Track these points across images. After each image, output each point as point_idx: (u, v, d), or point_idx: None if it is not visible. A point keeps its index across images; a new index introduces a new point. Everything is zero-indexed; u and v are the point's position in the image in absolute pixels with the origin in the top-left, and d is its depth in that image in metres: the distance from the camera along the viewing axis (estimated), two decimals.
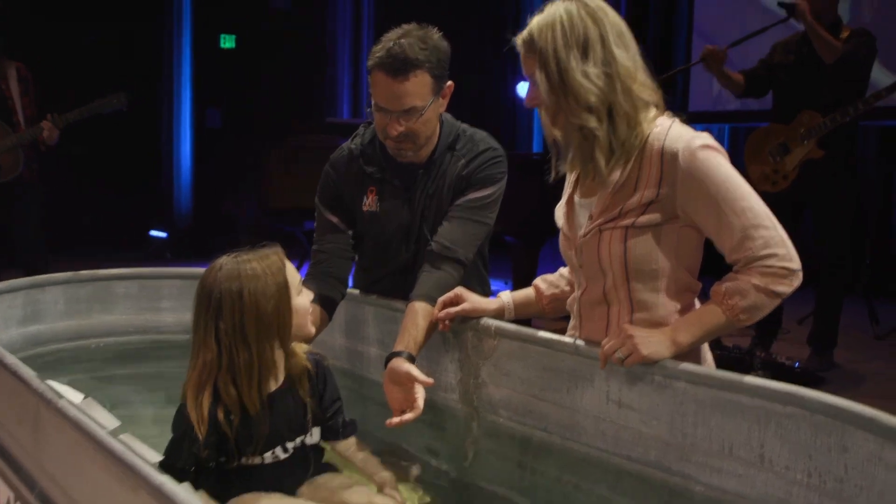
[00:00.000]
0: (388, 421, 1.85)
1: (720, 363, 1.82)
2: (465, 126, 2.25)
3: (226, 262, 1.71)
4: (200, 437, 1.63)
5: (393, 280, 2.28)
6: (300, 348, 1.83)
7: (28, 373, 1.59)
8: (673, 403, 1.60)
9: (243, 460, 1.70)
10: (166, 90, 8.32)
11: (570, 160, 1.77)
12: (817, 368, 4.22)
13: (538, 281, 2.07)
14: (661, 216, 1.68)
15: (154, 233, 8.11)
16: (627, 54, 1.69)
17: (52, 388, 1.48)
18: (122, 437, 1.26)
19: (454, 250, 2.11)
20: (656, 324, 1.71)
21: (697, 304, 1.78)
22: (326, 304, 2.18)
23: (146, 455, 1.29)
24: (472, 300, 2.00)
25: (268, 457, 1.73)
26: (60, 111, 4.48)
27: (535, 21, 1.71)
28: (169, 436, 1.71)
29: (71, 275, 2.65)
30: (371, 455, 1.89)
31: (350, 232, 2.26)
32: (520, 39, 1.74)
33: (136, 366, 2.65)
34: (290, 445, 1.77)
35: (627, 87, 1.68)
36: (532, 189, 4.08)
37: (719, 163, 1.64)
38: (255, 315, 1.67)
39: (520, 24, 1.76)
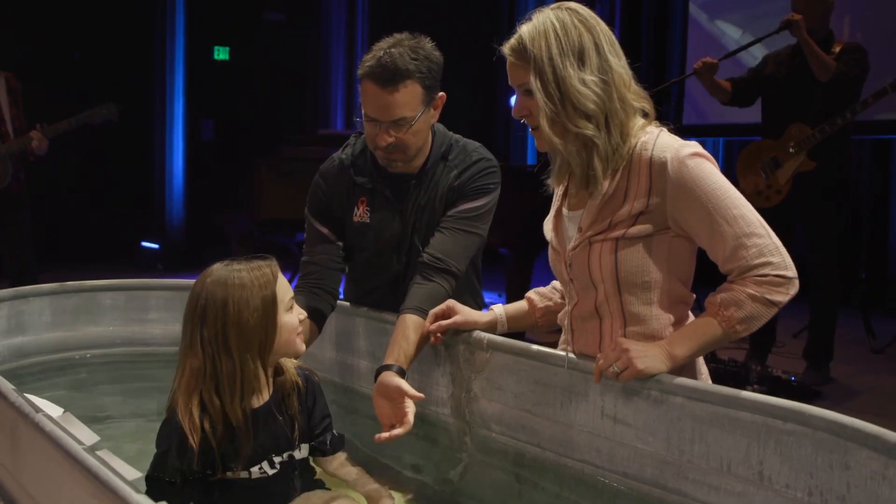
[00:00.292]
0: (377, 436, 1.82)
1: (715, 377, 1.80)
2: (457, 136, 2.23)
3: (217, 268, 1.70)
4: (195, 446, 1.60)
5: (384, 292, 2.25)
6: (289, 363, 1.79)
7: (6, 386, 1.55)
8: (669, 419, 1.57)
9: (229, 474, 1.66)
10: (159, 101, 8.31)
11: (558, 172, 1.75)
12: (814, 382, 4.20)
13: (531, 293, 2.04)
14: (651, 227, 1.66)
15: (146, 244, 8.07)
16: (620, 62, 1.68)
17: (30, 402, 1.43)
18: (99, 452, 1.22)
19: (446, 262, 2.08)
20: (650, 337, 1.68)
21: (691, 316, 1.75)
22: (316, 316, 2.15)
23: (124, 472, 1.25)
24: (464, 312, 1.98)
25: (254, 471, 1.69)
26: (52, 122, 4.45)
27: (526, 29, 1.69)
28: (154, 450, 1.67)
29: (57, 286, 2.62)
30: (360, 470, 1.85)
31: (340, 243, 2.23)
32: (508, 48, 1.71)
33: (122, 378, 2.61)
34: (277, 460, 1.73)
35: (622, 94, 1.66)
36: (526, 201, 4.06)
37: (709, 171, 1.62)
38: (237, 326, 1.64)
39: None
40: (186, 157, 8.36)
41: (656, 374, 1.59)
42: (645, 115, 1.70)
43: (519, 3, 8.12)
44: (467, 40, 6.93)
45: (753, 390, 1.50)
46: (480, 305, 2.32)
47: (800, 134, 4.17)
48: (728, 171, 1.69)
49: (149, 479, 1.63)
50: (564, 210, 1.81)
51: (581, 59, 1.64)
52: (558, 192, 1.86)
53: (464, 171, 2.15)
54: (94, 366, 2.60)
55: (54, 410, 1.61)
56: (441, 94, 2.11)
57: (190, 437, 1.60)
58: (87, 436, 1.52)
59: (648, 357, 1.59)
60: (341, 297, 2.31)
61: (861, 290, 5.60)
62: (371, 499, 1.78)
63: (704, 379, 1.77)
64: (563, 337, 1.88)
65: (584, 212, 1.73)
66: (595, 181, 1.68)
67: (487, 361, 1.92)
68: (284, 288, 1.72)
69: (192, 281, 1.76)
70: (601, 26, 1.68)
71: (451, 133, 2.23)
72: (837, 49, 4.16)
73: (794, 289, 1.58)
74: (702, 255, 1.70)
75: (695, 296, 1.76)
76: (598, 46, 1.65)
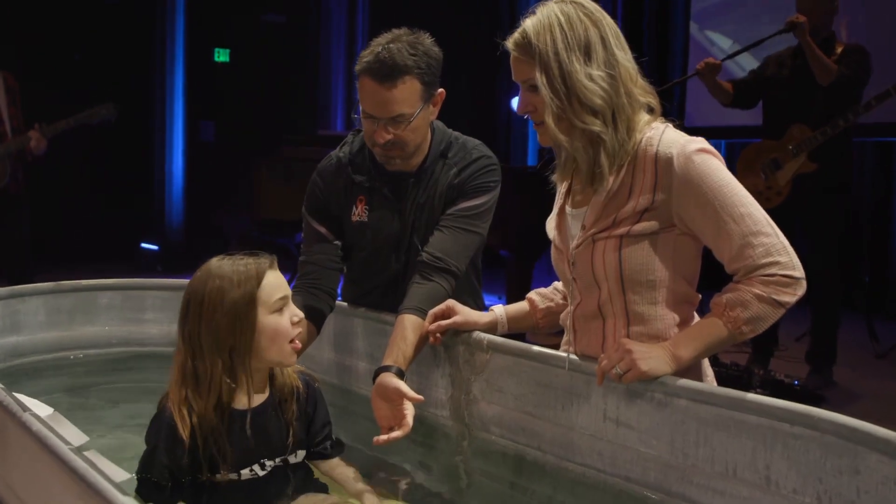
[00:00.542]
0: (375, 438, 1.80)
1: (717, 381, 1.78)
2: (457, 134, 2.21)
3: (211, 261, 1.66)
4: (185, 438, 1.56)
5: (383, 292, 2.22)
6: (290, 366, 1.75)
7: None
8: (673, 422, 1.54)
9: (218, 476, 1.62)
10: (159, 103, 8.30)
11: (563, 169, 1.72)
12: (817, 387, 4.17)
13: (532, 294, 2.02)
14: (656, 224, 1.63)
15: (145, 245, 8.05)
16: (626, 56, 1.66)
17: (18, 402, 1.40)
18: (86, 453, 1.19)
19: (446, 261, 2.05)
20: (654, 338, 1.66)
21: (697, 317, 1.73)
22: (315, 316, 2.12)
23: (112, 473, 1.22)
24: (464, 313, 1.95)
25: (244, 473, 1.66)
26: (51, 122, 4.43)
27: (530, 23, 1.66)
28: None
29: (53, 285, 2.61)
30: (355, 471, 1.82)
31: (338, 242, 2.20)
32: (511, 43, 1.68)
33: (118, 379, 2.59)
34: (268, 464, 1.69)
35: (629, 89, 1.64)
36: (526, 202, 4.05)
37: (716, 167, 1.59)
38: (209, 325, 1.59)
39: None
40: (186, 158, 8.34)
41: (660, 376, 1.56)
42: (650, 110, 1.68)
43: (519, 3, 8.09)
44: (467, 43, 6.92)
45: (756, 394, 1.46)
46: (480, 306, 2.29)
47: (801, 135, 4.16)
48: (731, 172, 1.65)
49: (139, 479, 1.59)
50: (568, 208, 1.79)
51: (587, 54, 1.62)
52: (561, 190, 1.83)
53: (463, 169, 2.13)
54: (89, 366, 2.59)
55: (43, 410, 1.57)
56: (440, 90, 2.08)
57: (180, 430, 1.56)
58: (76, 436, 1.49)
59: (652, 358, 1.57)
60: (339, 297, 2.29)
61: (864, 294, 5.56)
62: (362, 499, 1.74)
63: (710, 381, 1.74)
64: (565, 338, 1.85)
65: (588, 209, 1.70)
66: (601, 178, 1.65)
67: (487, 363, 1.89)
68: (273, 288, 1.63)
69: (186, 281, 1.72)
70: (607, 20, 1.65)
71: (450, 130, 2.20)
72: (839, 50, 4.14)
73: (801, 289, 1.55)
74: (706, 257, 1.67)
75: (700, 296, 1.73)
76: (604, 40, 1.63)
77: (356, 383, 2.26)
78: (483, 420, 1.91)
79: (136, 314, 2.66)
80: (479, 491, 1.89)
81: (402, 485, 1.92)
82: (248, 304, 1.60)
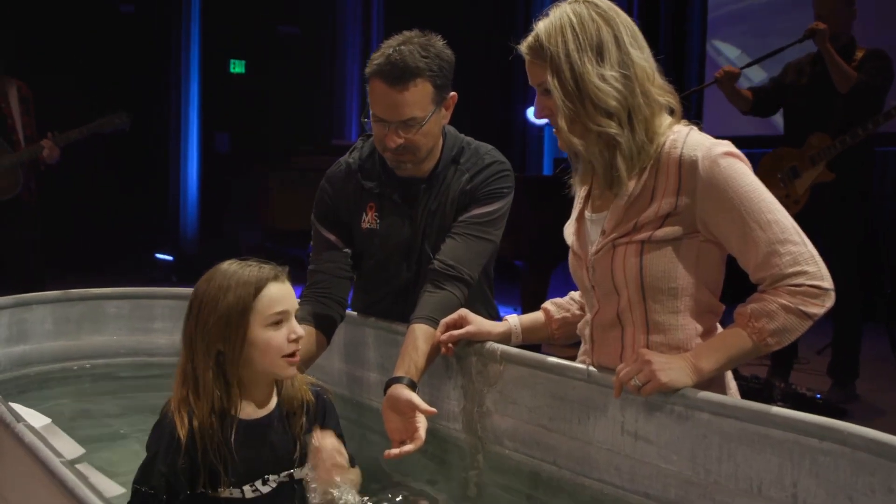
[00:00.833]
0: (386, 452, 1.76)
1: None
2: (469, 139, 2.17)
3: (222, 264, 1.62)
4: (183, 441, 1.52)
5: (393, 301, 2.18)
6: (301, 378, 1.69)
7: None
8: (695, 436, 1.49)
9: (220, 491, 1.57)
10: (174, 114, 8.34)
11: (583, 172, 1.68)
12: (839, 400, 4.12)
13: (547, 304, 1.98)
14: (680, 229, 1.58)
15: (160, 256, 8.07)
16: (643, 55, 1.61)
17: (12, 412, 1.36)
18: (79, 466, 1.15)
19: (458, 269, 2.02)
20: (674, 348, 1.61)
21: (719, 327, 1.67)
22: (325, 326, 2.09)
23: (105, 487, 1.18)
24: (477, 322, 1.91)
25: (247, 490, 1.60)
26: (63, 131, 4.43)
27: (542, 25, 1.63)
28: None
29: (60, 293, 2.60)
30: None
31: (348, 250, 2.17)
32: (525, 46, 1.66)
33: (126, 389, 2.57)
34: (272, 479, 1.63)
35: (646, 89, 1.59)
36: (542, 211, 3.99)
37: (742, 171, 1.54)
38: (202, 330, 1.56)
39: None
40: (201, 169, 8.38)
41: (680, 388, 1.51)
42: (671, 111, 1.63)
43: (535, 8, 8.09)
44: (482, 53, 6.90)
45: (781, 408, 1.41)
46: (493, 315, 2.24)
47: (820, 144, 4.13)
48: None
49: (134, 489, 1.55)
50: (587, 213, 1.74)
51: (600, 54, 1.58)
52: (580, 195, 1.79)
53: (476, 175, 2.09)
54: (97, 376, 2.58)
55: (39, 420, 1.54)
56: (452, 93, 2.05)
57: (178, 430, 1.52)
58: (71, 448, 1.45)
59: (672, 369, 1.51)
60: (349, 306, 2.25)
61: (885, 304, 5.47)
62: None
63: (733, 394, 1.69)
64: (582, 348, 1.81)
65: (609, 213, 1.66)
66: (619, 181, 1.61)
67: (501, 374, 1.86)
68: (272, 300, 1.57)
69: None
70: (621, 17, 1.61)
71: (462, 135, 2.17)
72: (860, 55, 4.09)
73: (830, 301, 1.50)
74: (730, 266, 1.62)
75: (724, 307, 1.67)
76: (617, 39, 1.58)
77: (367, 395, 2.23)
78: (497, 433, 1.87)
79: (145, 323, 2.65)
80: None
81: (415, 499, 1.88)
82: (242, 312, 1.55)
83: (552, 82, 1.59)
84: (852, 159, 4.08)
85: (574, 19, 1.59)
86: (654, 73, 1.62)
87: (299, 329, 1.61)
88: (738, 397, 1.66)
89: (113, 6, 7.92)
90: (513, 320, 1.97)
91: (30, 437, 1.21)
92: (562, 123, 1.61)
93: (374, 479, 1.87)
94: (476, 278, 2.07)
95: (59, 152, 4.44)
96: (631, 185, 1.61)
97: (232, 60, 8.52)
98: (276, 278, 1.60)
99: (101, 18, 7.63)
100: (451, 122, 2.14)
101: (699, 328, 1.62)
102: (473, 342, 1.91)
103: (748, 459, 1.42)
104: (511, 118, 8.54)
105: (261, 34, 8.43)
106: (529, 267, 4.66)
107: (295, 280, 1.66)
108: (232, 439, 1.57)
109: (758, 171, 4.46)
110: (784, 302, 1.48)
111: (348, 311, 2.21)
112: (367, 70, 1.98)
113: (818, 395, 4.06)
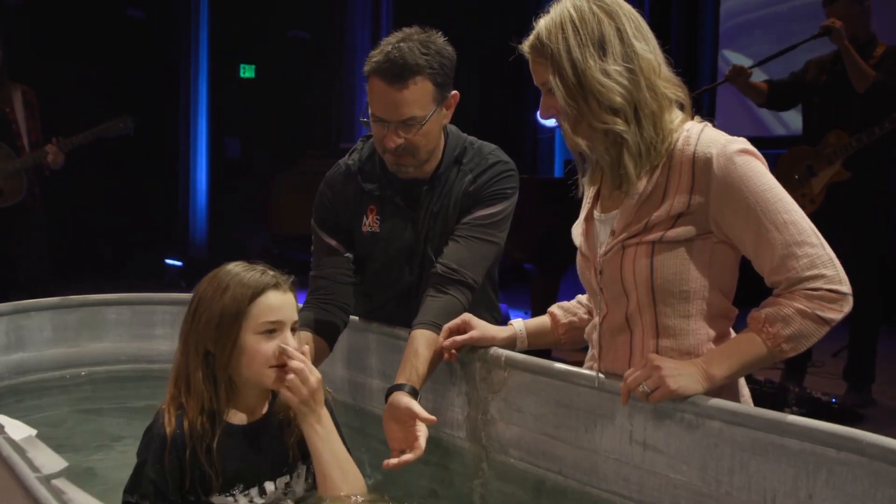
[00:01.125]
0: (385, 462, 1.73)
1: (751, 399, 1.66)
2: (472, 139, 2.13)
3: (228, 265, 1.62)
4: (168, 438, 1.50)
5: (396, 305, 2.15)
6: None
7: None
8: (706, 446, 1.45)
9: (211, 497, 1.54)
10: (183, 119, 8.35)
11: (592, 173, 1.64)
12: (855, 405, 4.07)
13: (554, 308, 1.93)
14: (692, 230, 1.53)
15: (170, 261, 8.07)
16: (648, 47, 1.56)
17: None
18: (55, 482, 1.11)
19: (461, 272, 1.98)
20: (685, 353, 1.56)
21: (732, 333, 1.62)
22: (327, 332, 2.06)
23: (82, 502, 1.13)
24: (481, 327, 1.88)
25: (241, 499, 1.57)
26: (68, 136, 4.42)
27: (542, 23, 1.59)
28: None
29: (59, 300, 2.59)
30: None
31: (349, 255, 2.14)
32: (527, 45, 1.62)
33: (126, 397, 2.54)
34: (269, 487, 1.60)
35: (652, 82, 1.54)
36: (552, 214, 3.95)
37: (759, 170, 1.49)
38: (196, 329, 1.55)
39: None
40: (210, 174, 8.38)
41: (691, 396, 1.47)
42: (681, 107, 1.57)
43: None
44: (494, 55, 6.87)
45: (792, 413, 1.36)
46: (498, 320, 2.20)
47: (837, 142, 4.09)
48: None
49: (123, 501, 1.53)
50: (596, 212, 1.70)
51: (602, 49, 1.53)
52: (589, 195, 1.75)
53: (479, 176, 2.05)
54: (96, 384, 2.55)
55: (22, 432, 1.50)
56: (454, 92, 2.01)
57: (166, 427, 1.51)
58: (52, 462, 1.40)
59: (682, 376, 1.46)
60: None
61: None
62: None
63: (746, 401, 1.64)
64: (589, 353, 1.77)
65: (619, 213, 1.61)
66: (627, 180, 1.57)
67: (505, 381, 1.82)
68: (267, 309, 1.55)
69: None
70: (624, 9, 1.57)
71: (464, 135, 2.13)
72: (880, 51, 4.04)
73: (848, 306, 1.45)
74: (744, 268, 1.57)
75: (737, 311, 1.62)
76: (620, 32, 1.54)
77: (369, 402, 2.21)
78: (501, 442, 1.84)
79: (145, 330, 2.63)
80: None
81: None
82: (234, 316, 1.54)
83: (554, 81, 1.55)
84: (868, 158, 4.04)
85: (574, 14, 1.55)
86: (661, 66, 1.57)
87: (292, 342, 1.58)
88: (751, 404, 1.62)
89: (121, 11, 7.94)
90: (518, 325, 1.93)
91: (7, 451, 1.17)
92: (564, 122, 1.57)
93: (375, 488, 1.82)
94: (480, 282, 2.03)
95: (63, 157, 4.42)
96: (642, 184, 1.56)
97: (242, 65, 8.54)
98: (276, 286, 1.58)
99: (109, 23, 7.64)
100: (461, 124, 2.11)
101: (711, 333, 1.57)
102: (477, 348, 1.88)
103: (761, 470, 1.38)
104: (523, 120, 8.56)
105: (271, 39, 8.44)
106: (539, 270, 4.63)
107: (302, 286, 1.64)
108: (224, 444, 1.55)
109: (775, 172, 4.44)
110: (800, 306, 1.43)
111: (351, 317, 2.17)
112: (366, 68, 1.94)
113: (833, 400, 4.00)
